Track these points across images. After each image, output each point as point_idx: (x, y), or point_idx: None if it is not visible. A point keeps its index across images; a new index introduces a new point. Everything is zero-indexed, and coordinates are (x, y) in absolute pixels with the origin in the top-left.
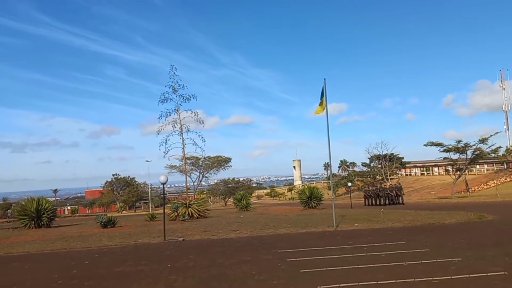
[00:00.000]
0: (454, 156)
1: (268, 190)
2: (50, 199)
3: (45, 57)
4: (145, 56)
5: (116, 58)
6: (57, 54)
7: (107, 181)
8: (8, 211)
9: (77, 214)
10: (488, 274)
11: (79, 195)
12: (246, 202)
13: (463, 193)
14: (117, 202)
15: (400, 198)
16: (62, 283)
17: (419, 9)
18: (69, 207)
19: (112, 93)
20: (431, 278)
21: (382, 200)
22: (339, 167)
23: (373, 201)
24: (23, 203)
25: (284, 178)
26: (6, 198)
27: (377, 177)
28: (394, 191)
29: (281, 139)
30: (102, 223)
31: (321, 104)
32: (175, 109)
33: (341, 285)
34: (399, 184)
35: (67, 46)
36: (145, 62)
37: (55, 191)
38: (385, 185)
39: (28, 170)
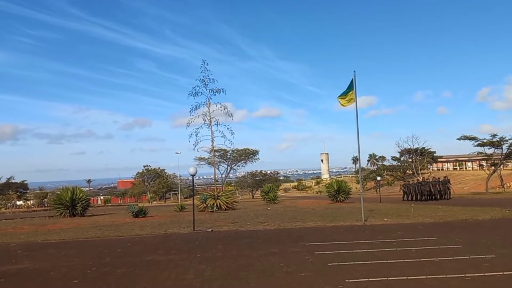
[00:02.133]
0: (489, 150)
1: (295, 183)
2: (84, 189)
3: (79, 51)
4: (173, 49)
5: (146, 51)
6: (90, 47)
7: (138, 172)
8: (45, 200)
9: (110, 204)
10: None
11: (112, 185)
12: (273, 195)
13: (497, 188)
14: (148, 193)
15: (445, 193)
16: (96, 270)
17: (452, 0)
18: (102, 197)
19: (144, 86)
20: (463, 275)
21: (424, 195)
22: (368, 161)
23: (414, 196)
24: (58, 192)
25: (312, 172)
26: (43, 187)
27: (408, 171)
28: (437, 185)
29: (309, 132)
30: (134, 213)
31: (347, 96)
32: (205, 103)
33: (369, 279)
34: (446, 177)
35: (98, 40)
36: (174, 55)
37: (89, 181)
38: (429, 179)
39: (64, 160)
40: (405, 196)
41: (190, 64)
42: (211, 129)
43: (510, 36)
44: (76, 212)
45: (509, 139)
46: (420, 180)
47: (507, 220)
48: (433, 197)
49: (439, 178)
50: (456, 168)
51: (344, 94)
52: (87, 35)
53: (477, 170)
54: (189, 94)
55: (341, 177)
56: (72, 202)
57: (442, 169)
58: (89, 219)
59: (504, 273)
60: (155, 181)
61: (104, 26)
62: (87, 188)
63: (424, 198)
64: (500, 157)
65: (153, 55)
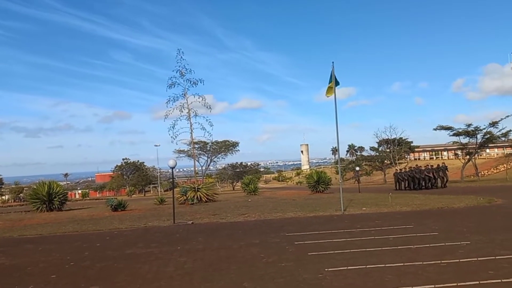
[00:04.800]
0: (464, 140)
1: (276, 175)
2: (61, 183)
3: (55, 42)
4: (152, 40)
5: (124, 42)
6: (66, 38)
7: (117, 165)
8: (21, 194)
9: (88, 198)
10: (496, 257)
11: (90, 179)
12: (254, 186)
13: (472, 177)
14: (127, 186)
15: (442, 181)
16: (75, 264)
17: None
18: (79, 191)
19: (123, 78)
20: (439, 261)
21: (418, 184)
22: (347, 151)
23: (407, 184)
24: (35, 187)
25: (292, 163)
26: (18, 182)
27: (386, 161)
28: (431, 173)
29: (289, 123)
30: (113, 207)
31: (331, 87)
32: (182, 94)
33: (348, 267)
34: (444, 164)
35: (75, 31)
36: (152, 46)
37: (66, 175)
38: (426, 166)
39: (41, 154)
40: (398, 184)
41: (169, 55)
42: (189, 121)
43: (484, 28)
44: (54, 206)
45: (483, 129)
46: (413, 168)
47: (481, 207)
48: (427, 185)
49: (432, 166)
50: (433, 158)
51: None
52: (63, 26)
53: (452, 159)
54: (166, 86)
55: (321, 167)
56: (49, 196)
57: (419, 159)
58: (66, 213)
59: (479, 259)
60: (134, 174)
61: (80, 16)
62: (65, 182)
63: (417, 186)
64: (474, 146)
65: (131, 47)
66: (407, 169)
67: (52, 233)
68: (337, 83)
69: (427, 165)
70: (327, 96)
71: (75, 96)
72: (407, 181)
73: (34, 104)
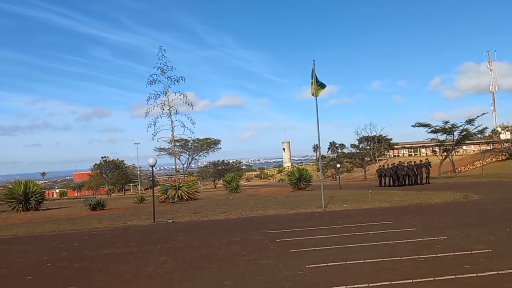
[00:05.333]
0: (442, 137)
1: (258, 172)
2: (38, 182)
3: (30, 38)
4: (130, 36)
5: (102, 38)
6: (42, 34)
7: (95, 164)
8: None
9: (66, 197)
10: (472, 252)
11: (68, 178)
12: (235, 184)
13: (449, 173)
14: (106, 185)
15: (422, 177)
16: (52, 265)
17: None
18: (57, 190)
19: (101, 75)
20: (417, 256)
21: (401, 180)
22: (328, 148)
23: (390, 181)
24: (10, 186)
25: (274, 160)
26: None
27: (366, 158)
28: (414, 169)
29: (271, 121)
30: (91, 206)
31: (317, 85)
32: (163, 91)
33: (329, 264)
34: (427, 160)
35: (51, 26)
36: (131, 42)
37: (43, 174)
38: (408, 163)
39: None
40: (382, 180)
41: (149, 52)
42: (170, 118)
43: (460, 27)
44: (30, 206)
45: (460, 126)
46: (397, 164)
47: (458, 203)
48: (410, 181)
49: (415, 162)
50: (411, 154)
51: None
52: (39, 21)
53: (430, 156)
54: (147, 83)
55: (302, 165)
56: (26, 196)
57: (398, 156)
58: (44, 213)
59: (455, 253)
60: (114, 173)
61: (56, 12)
62: (42, 181)
63: (400, 183)
64: (452, 143)
65: (110, 43)
66: (390, 166)
67: (28, 233)
68: (323, 85)
69: (410, 161)
70: (315, 96)
71: (53, 94)
72: (390, 178)
73: (10, 101)
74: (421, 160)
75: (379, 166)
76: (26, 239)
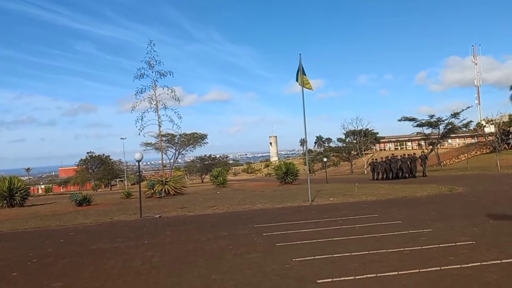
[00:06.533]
0: (427, 130)
1: (245, 167)
2: (22, 178)
3: (13, 32)
4: (115, 30)
5: (85, 32)
6: (25, 27)
7: (81, 159)
8: None
9: (51, 193)
10: (457, 244)
11: (53, 173)
12: (222, 179)
13: (435, 166)
14: (92, 180)
15: (416, 171)
16: (37, 261)
17: None
18: (42, 186)
19: (86, 69)
20: (403, 249)
21: (394, 173)
22: (315, 143)
23: (384, 174)
24: None
25: (261, 155)
26: None
27: (352, 152)
28: (408, 162)
29: (258, 115)
30: (77, 202)
31: (307, 82)
32: (151, 86)
33: (315, 257)
34: (423, 153)
35: (33, 20)
36: (116, 36)
37: (28, 169)
38: (402, 156)
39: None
40: (374, 174)
41: (135, 46)
42: (157, 113)
43: (446, 21)
44: (15, 202)
45: (445, 120)
46: (390, 157)
47: (443, 196)
48: (404, 174)
49: (409, 155)
50: (397, 148)
51: (299, 78)
52: (21, 15)
53: (416, 149)
54: (134, 77)
55: (289, 159)
56: (10, 192)
57: (385, 149)
58: (29, 209)
59: (440, 245)
60: (100, 168)
61: (39, 5)
62: (27, 177)
63: (393, 176)
64: (437, 136)
65: (93, 37)
66: (383, 158)
67: (13, 229)
68: (301, 73)
69: (404, 154)
70: (308, 88)
71: (39, 89)
72: (384, 172)
73: None
74: (414, 153)
75: (372, 159)
76: (11, 235)
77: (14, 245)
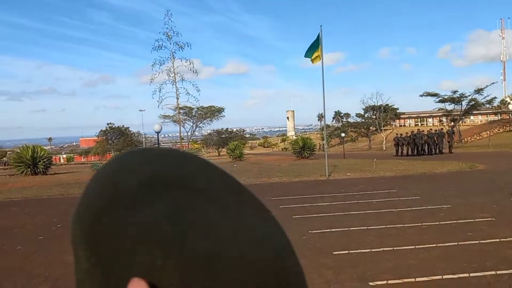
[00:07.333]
0: (449, 106)
1: (261, 141)
2: (45, 147)
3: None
4: (132, 0)
5: (103, 3)
6: None
7: (101, 130)
8: (4, 158)
9: (73, 163)
10: (475, 220)
11: (74, 143)
12: (239, 152)
13: (456, 143)
14: (112, 151)
15: (442, 146)
16: (62, 226)
17: None
18: (64, 156)
19: (105, 40)
20: (420, 224)
21: (419, 149)
22: (333, 118)
23: (409, 149)
24: (18, 151)
25: (278, 129)
26: (1, 146)
27: (371, 128)
28: (434, 138)
29: (276, 89)
30: None
31: (313, 54)
32: (169, 57)
33: (332, 230)
34: (450, 129)
35: None
36: (133, 7)
37: (50, 139)
38: (428, 131)
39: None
40: (398, 149)
41: (150, 17)
42: (175, 85)
43: None
44: (38, 170)
45: (469, 96)
46: (415, 132)
47: (463, 172)
48: (429, 150)
49: (436, 130)
50: (418, 124)
51: (311, 52)
52: None
53: (437, 126)
54: (152, 48)
55: (306, 134)
56: (33, 160)
57: (404, 125)
58: (52, 177)
59: (458, 221)
60: (119, 139)
61: None
62: (49, 147)
63: (418, 152)
64: (459, 113)
65: (110, 7)
66: (408, 134)
67: (38, 196)
68: (316, 46)
69: (430, 129)
70: (315, 63)
71: (59, 59)
72: (408, 146)
73: (16, 66)
74: (442, 128)
75: (397, 134)
76: (35, 201)
77: (39, 210)
